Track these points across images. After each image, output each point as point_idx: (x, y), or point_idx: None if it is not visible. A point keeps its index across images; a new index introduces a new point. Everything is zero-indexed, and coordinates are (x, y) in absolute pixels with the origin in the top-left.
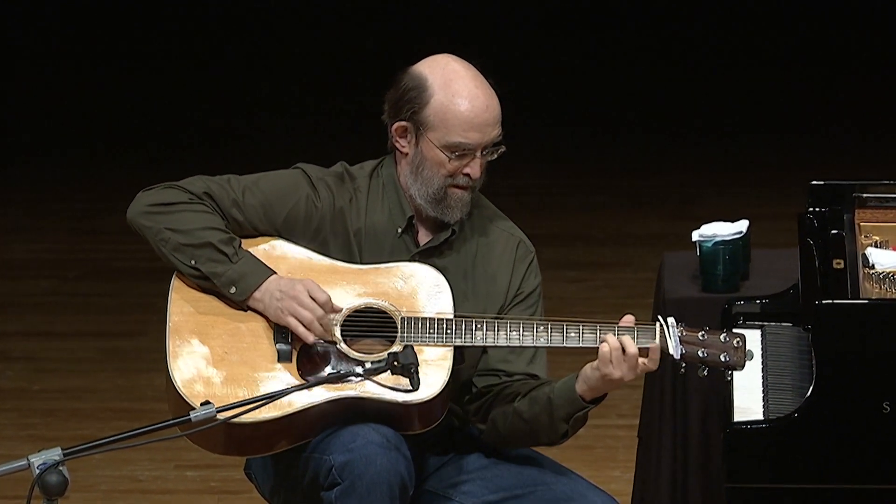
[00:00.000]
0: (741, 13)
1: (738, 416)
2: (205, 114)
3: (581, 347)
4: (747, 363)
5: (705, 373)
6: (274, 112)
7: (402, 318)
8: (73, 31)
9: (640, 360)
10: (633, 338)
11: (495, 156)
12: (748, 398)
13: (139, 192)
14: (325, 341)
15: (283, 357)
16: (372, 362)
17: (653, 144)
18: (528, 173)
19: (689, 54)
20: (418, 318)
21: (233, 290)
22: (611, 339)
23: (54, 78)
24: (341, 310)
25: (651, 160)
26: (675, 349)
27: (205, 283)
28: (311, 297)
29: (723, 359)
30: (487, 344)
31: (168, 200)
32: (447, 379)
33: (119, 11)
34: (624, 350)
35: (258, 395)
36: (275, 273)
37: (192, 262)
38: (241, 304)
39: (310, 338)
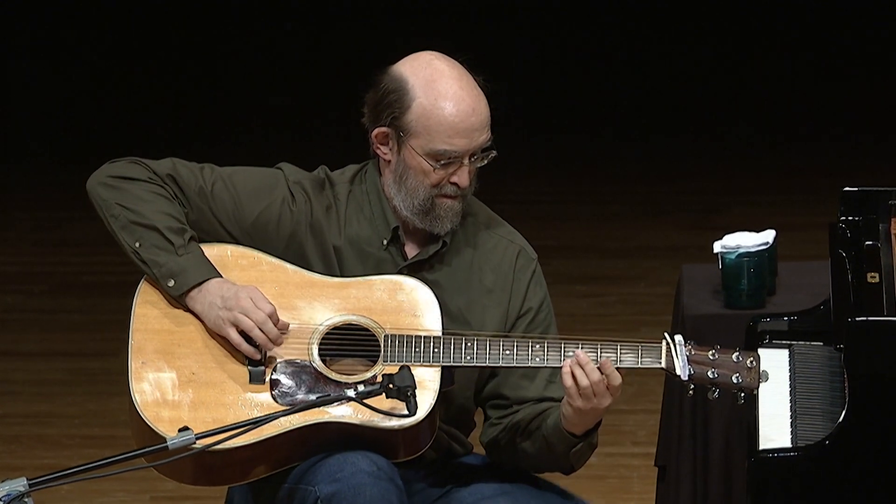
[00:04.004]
0: (770, 13)
1: (764, 444)
2: (176, 119)
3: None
4: (762, 384)
5: (716, 395)
6: (250, 119)
7: (386, 336)
8: (35, 32)
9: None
10: (638, 357)
11: (485, 162)
12: (775, 424)
13: (105, 162)
14: (301, 362)
15: (255, 378)
16: (365, 384)
17: (671, 149)
18: (537, 180)
19: (712, 53)
20: (403, 336)
21: (171, 283)
22: (566, 369)
23: (17, 80)
24: (318, 326)
25: (669, 166)
26: (682, 370)
27: (145, 270)
28: (255, 306)
29: (735, 380)
30: (478, 364)
31: (128, 175)
32: (434, 402)
33: (84, 17)
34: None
35: (229, 421)
36: (220, 276)
37: (137, 244)
38: (178, 300)
39: (256, 355)
